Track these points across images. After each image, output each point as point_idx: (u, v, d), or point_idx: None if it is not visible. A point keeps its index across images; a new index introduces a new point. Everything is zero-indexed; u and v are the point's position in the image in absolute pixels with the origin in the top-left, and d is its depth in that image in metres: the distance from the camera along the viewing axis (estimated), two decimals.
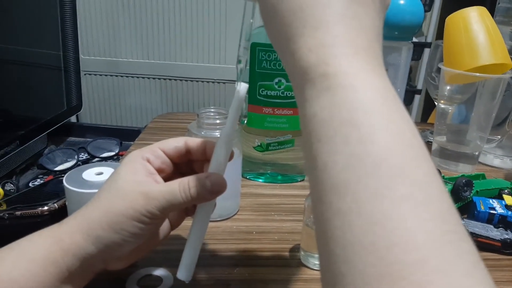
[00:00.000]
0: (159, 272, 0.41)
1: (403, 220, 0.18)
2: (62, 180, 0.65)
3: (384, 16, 0.26)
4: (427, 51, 1.37)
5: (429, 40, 1.43)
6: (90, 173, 0.44)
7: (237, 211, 0.53)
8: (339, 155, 0.21)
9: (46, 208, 0.48)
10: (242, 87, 0.35)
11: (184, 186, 0.33)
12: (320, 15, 0.23)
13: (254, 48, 0.54)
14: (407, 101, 1.46)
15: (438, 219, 0.19)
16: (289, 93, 0.56)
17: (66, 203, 0.45)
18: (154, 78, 0.97)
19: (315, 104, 0.22)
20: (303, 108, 0.23)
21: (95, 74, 0.97)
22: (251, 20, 0.38)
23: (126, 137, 0.82)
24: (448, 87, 0.68)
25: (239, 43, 0.42)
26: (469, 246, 0.19)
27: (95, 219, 0.32)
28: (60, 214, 0.49)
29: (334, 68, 0.22)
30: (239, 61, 0.46)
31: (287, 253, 0.46)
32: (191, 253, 0.36)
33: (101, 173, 0.44)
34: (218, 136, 0.48)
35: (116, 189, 0.34)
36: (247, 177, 0.62)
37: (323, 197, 0.21)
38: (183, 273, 0.36)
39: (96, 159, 0.77)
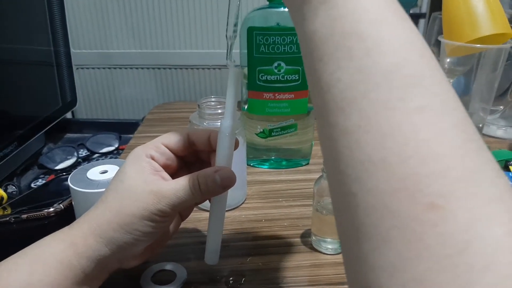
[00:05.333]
0: (171, 266, 0.41)
1: (418, 131, 0.17)
2: (64, 178, 0.64)
3: None
4: (421, 22, 1.35)
5: (423, 10, 1.41)
6: (95, 172, 0.43)
7: (244, 200, 0.53)
8: (343, 72, 0.19)
9: (52, 209, 0.48)
10: (232, 74, 0.34)
11: (194, 182, 0.33)
12: None
13: (251, 32, 0.53)
14: None
15: (457, 128, 0.18)
16: (289, 77, 0.55)
17: (73, 203, 0.44)
18: (148, 68, 0.95)
19: (314, 21, 0.20)
20: (302, 28, 0.21)
21: (88, 68, 0.95)
22: (238, 2, 0.36)
23: (124, 130, 0.81)
24: (448, 60, 0.67)
25: (226, 26, 0.39)
26: (489, 155, 0.18)
27: (106, 221, 0.32)
28: (66, 215, 0.48)
29: None
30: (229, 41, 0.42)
31: (298, 239, 0.46)
32: (215, 239, 0.37)
33: (105, 171, 0.43)
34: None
35: (124, 189, 0.33)
36: (251, 164, 0.62)
37: (329, 119, 0.20)
38: (210, 258, 0.37)
39: (96, 154, 0.76)
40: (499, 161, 0.56)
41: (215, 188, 0.33)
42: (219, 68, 0.94)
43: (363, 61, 0.19)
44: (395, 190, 0.17)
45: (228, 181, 0.34)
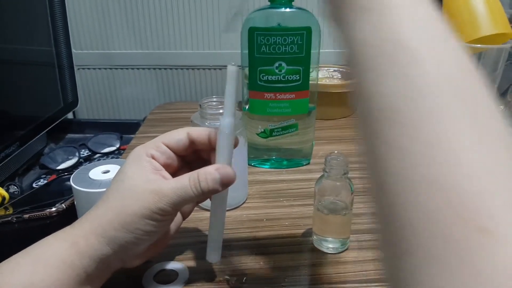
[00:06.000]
0: (173, 265, 0.41)
1: (463, 143, 0.17)
2: (66, 178, 0.65)
3: None
4: None
5: None
6: (97, 172, 0.43)
7: (246, 200, 0.53)
8: (386, 80, 0.19)
9: (54, 209, 0.48)
10: (230, 72, 0.34)
11: (194, 180, 0.33)
12: None
13: (252, 32, 0.53)
14: None
15: (501, 141, 0.17)
16: (290, 77, 0.55)
17: (75, 203, 0.44)
18: (149, 68, 0.95)
19: (358, 28, 0.21)
20: (346, 35, 0.22)
21: (89, 68, 0.95)
22: None
23: (125, 131, 0.81)
24: None
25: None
26: None
27: (107, 221, 0.32)
28: (68, 214, 0.48)
29: None
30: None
31: (299, 239, 0.46)
32: (216, 237, 0.37)
33: (107, 171, 0.44)
34: None
35: (125, 189, 0.33)
36: (252, 164, 0.62)
37: (372, 127, 0.20)
38: (212, 256, 0.38)
39: (98, 155, 0.76)
40: None
41: (215, 186, 0.33)
42: (220, 69, 0.94)
43: (406, 69, 0.19)
44: (442, 207, 0.16)
45: (228, 179, 0.34)
